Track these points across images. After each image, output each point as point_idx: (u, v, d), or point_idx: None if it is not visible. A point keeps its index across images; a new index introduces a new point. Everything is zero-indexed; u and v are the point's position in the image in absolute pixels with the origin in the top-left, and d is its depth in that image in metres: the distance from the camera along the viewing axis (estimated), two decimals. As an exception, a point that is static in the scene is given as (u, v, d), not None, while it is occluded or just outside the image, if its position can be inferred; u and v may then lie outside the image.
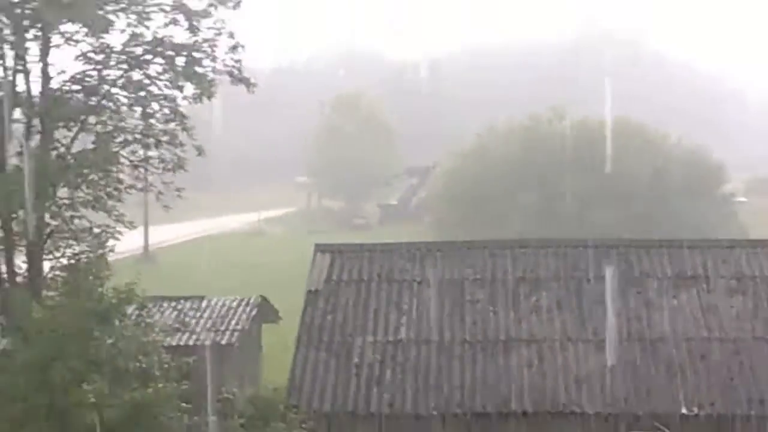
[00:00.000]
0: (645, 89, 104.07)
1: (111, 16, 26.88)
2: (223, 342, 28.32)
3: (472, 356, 20.61)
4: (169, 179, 27.84)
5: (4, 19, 26.45)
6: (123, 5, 26.89)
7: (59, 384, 20.66)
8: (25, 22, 26.43)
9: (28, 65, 26.68)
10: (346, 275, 22.54)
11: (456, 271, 22.50)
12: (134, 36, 27.04)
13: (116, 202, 27.26)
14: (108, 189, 26.85)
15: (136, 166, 27.61)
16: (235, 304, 30.18)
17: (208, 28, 27.10)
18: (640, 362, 20.24)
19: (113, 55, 27.10)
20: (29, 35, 26.60)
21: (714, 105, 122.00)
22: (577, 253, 22.91)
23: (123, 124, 27.43)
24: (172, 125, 27.32)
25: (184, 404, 21.51)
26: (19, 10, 26.35)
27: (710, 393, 19.63)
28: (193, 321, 29.05)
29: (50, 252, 26.40)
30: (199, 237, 67.00)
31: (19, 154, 26.40)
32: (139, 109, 27.47)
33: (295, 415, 21.98)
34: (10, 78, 26.63)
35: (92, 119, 27.04)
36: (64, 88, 27.03)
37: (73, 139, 27.05)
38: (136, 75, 27.28)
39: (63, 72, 27.04)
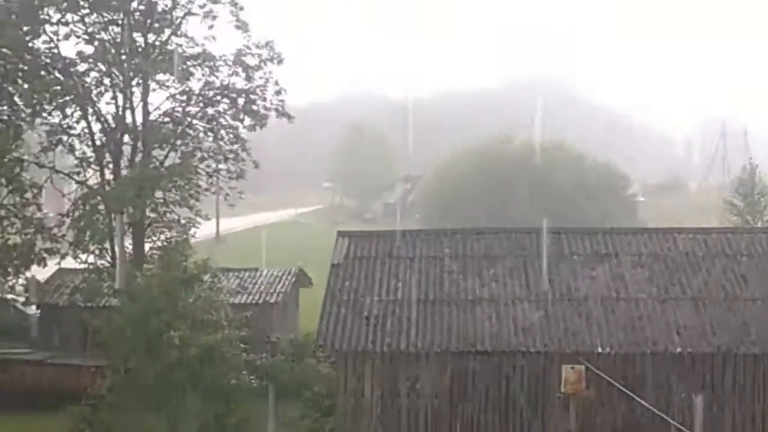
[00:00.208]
0: (572, 122, 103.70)
1: (191, 69, 27.25)
2: (271, 301, 28.53)
3: (448, 311, 20.34)
4: (233, 185, 28.20)
5: (116, 72, 26.77)
6: (199, 61, 27.23)
7: (154, 330, 20.90)
8: (131, 74, 26.75)
9: (134, 104, 27.09)
10: (359, 253, 22.21)
11: (437, 250, 22.23)
12: (207, 83, 27.43)
13: (196, 201, 27.52)
14: (190, 192, 27.11)
15: (210, 176, 27.93)
16: (279, 273, 30.29)
17: (260, 77, 27.44)
18: (568, 315, 20.01)
19: (193, 96, 27.47)
20: (134, 83, 26.96)
21: (621, 133, 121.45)
22: (523, 237, 22.62)
23: (200, 145, 27.74)
24: (235, 146, 27.62)
25: (243, 345, 21.80)
26: (126, 65, 26.68)
27: (617, 337, 19.43)
28: (250, 286, 29.13)
29: (149, 237, 26.70)
30: (254, 226, 66.72)
31: (128, 167, 26.78)
32: (211, 135, 27.78)
33: (322, 353, 22.65)
34: (121, 113, 27.01)
35: (178, 142, 27.36)
36: (158, 120, 27.39)
37: (165, 156, 27.37)
38: (210, 110, 27.62)
39: (158, 108, 27.46)
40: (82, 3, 26.63)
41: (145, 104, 27.03)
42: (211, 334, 21.02)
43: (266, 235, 59.94)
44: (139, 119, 26.97)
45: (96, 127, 27.30)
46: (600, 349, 19.17)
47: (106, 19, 26.89)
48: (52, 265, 28.11)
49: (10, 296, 28.51)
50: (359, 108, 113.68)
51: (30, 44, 26.54)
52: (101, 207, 26.35)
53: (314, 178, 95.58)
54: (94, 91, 27.21)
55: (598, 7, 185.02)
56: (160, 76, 27.02)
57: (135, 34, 26.78)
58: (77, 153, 27.64)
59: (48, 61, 26.89)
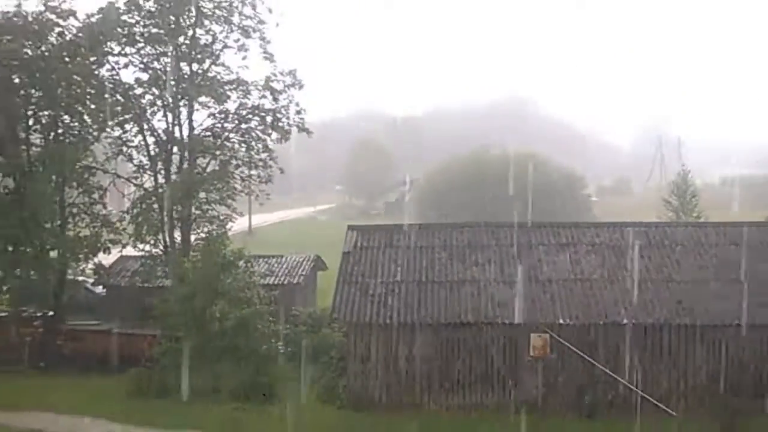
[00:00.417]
0: (537, 134, 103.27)
1: (228, 92, 27.19)
2: (294, 282, 28.44)
3: (438, 290, 20.40)
4: (263, 188, 28.15)
5: (167, 95, 26.77)
6: (234, 86, 27.17)
7: (199, 306, 21.01)
8: (179, 96, 26.74)
9: (181, 121, 27.11)
10: (366, 243, 22.25)
11: (429, 241, 22.25)
12: (241, 104, 27.35)
13: (232, 201, 27.48)
14: (227, 193, 27.07)
15: (243, 180, 27.81)
16: (301, 259, 30.22)
17: (284, 100, 27.34)
18: (535, 293, 20.05)
19: (229, 115, 27.37)
20: (181, 104, 26.94)
21: (577, 143, 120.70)
22: (499, 230, 22.60)
23: (235, 155, 27.56)
24: (264, 156, 27.54)
25: (271, 318, 21.89)
26: (175, 89, 26.65)
27: (575, 311, 19.52)
28: (276, 269, 29.03)
29: (194, 230, 26.59)
30: (279, 221, 66.87)
31: (176, 173, 26.83)
32: (245, 146, 27.65)
33: (335, 324, 22.64)
34: (171, 129, 27.03)
35: (218, 152, 27.25)
36: (201, 134, 27.37)
37: (207, 164, 27.32)
38: (243, 126, 27.46)
39: (200, 125, 27.40)
40: (138, 38, 26.55)
41: (191, 121, 26.96)
42: (245, 309, 21.11)
43: (289, 228, 60.55)
44: (186, 133, 26.87)
45: (150, 140, 27.21)
46: (561, 321, 19.32)
47: (158, 52, 26.78)
48: (115, 253, 28.12)
49: (81, 278, 28.50)
50: (365, 124, 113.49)
51: (96, 72, 26.46)
52: (155, 205, 26.28)
53: (328, 182, 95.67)
54: (149, 111, 27.08)
55: (554, 34, 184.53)
56: (202, 99, 26.91)
57: (182, 64, 26.69)
58: (135, 161, 27.54)
59: (111, 86, 26.76)
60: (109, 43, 26.33)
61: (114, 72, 27.00)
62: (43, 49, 25.78)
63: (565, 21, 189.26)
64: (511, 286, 20.27)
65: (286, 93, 27.09)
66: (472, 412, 19.19)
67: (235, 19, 26.72)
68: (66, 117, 26.67)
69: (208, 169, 27.07)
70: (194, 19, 26.61)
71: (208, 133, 27.26)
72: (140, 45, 26.67)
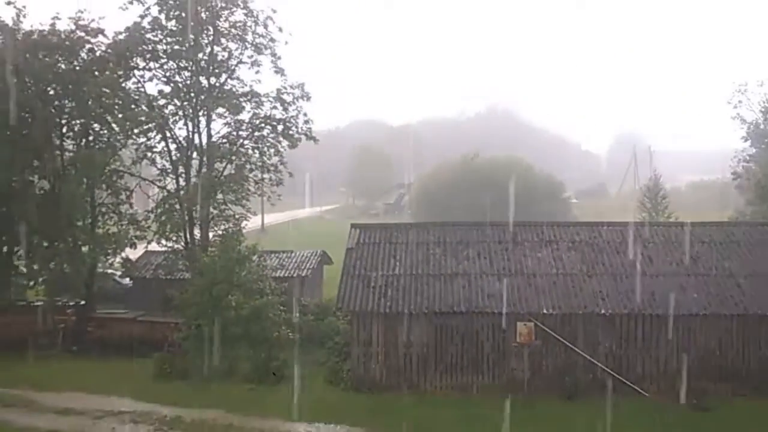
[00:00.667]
0: (520, 141, 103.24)
1: (242, 104, 27.08)
2: (302, 275, 28.19)
3: (433, 282, 20.28)
4: (274, 190, 28.02)
5: (187, 105, 26.75)
6: (248, 98, 27.08)
7: (216, 296, 20.93)
8: (198, 107, 26.67)
9: (200, 129, 27.04)
10: (367, 240, 22.12)
11: (424, 238, 22.13)
12: (255, 114, 27.20)
13: (246, 202, 27.37)
14: (242, 194, 26.94)
15: (256, 183, 27.65)
16: (309, 254, 29.99)
17: (293, 110, 27.22)
18: (521, 286, 19.98)
19: (244, 124, 27.23)
20: (200, 114, 26.85)
21: (557, 149, 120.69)
22: (488, 228, 22.48)
23: (249, 160, 27.37)
24: (275, 160, 27.48)
25: (282, 307, 21.82)
26: (195, 101, 26.63)
27: (557, 302, 19.44)
28: (287, 263, 28.91)
29: (212, 227, 26.49)
30: (289, 220, 66.72)
31: (196, 176, 26.79)
32: (258, 152, 27.52)
33: (340, 313, 22.44)
34: (191, 136, 26.97)
35: (233, 158, 27.12)
36: (218, 141, 27.25)
37: (224, 168, 27.19)
38: (256, 134, 27.31)
39: (218, 133, 27.28)
40: (161, 54, 26.50)
41: (209, 130, 26.90)
42: (259, 299, 21.11)
43: (298, 226, 60.52)
44: (204, 141, 26.82)
45: (172, 146, 27.12)
46: (545, 311, 19.27)
47: (179, 66, 26.72)
48: (140, 248, 28.17)
49: (110, 271, 28.50)
50: (366, 133, 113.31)
51: (123, 85, 26.43)
52: (177, 206, 26.25)
53: (333, 184, 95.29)
54: (171, 120, 26.98)
55: (540, 51, 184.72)
56: (219, 109, 26.81)
57: (201, 78, 26.64)
58: (158, 165, 27.48)
59: (136, 97, 26.73)
60: (135, 59, 26.31)
61: (139, 85, 27.06)
62: (75, 64, 25.90)
63: (550, 39, 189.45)
64: (499, 278, 20.24)
65: (295, 104, 27.05)
66: (464, 392, 19.18)
67: (249, 37, 26.70)
68: (96, 125, 26.76)
69: (225, 173, 27.00)
70: (212, 37, 26.60)
71: (225, 141, 27.16)
72: (163, 60, 26.64)
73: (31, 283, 25.72)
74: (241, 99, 26.92)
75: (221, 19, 26.61)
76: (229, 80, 27.14)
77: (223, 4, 26.58)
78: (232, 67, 27.04)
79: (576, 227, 23.31)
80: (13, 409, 17.78)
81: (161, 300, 25.47)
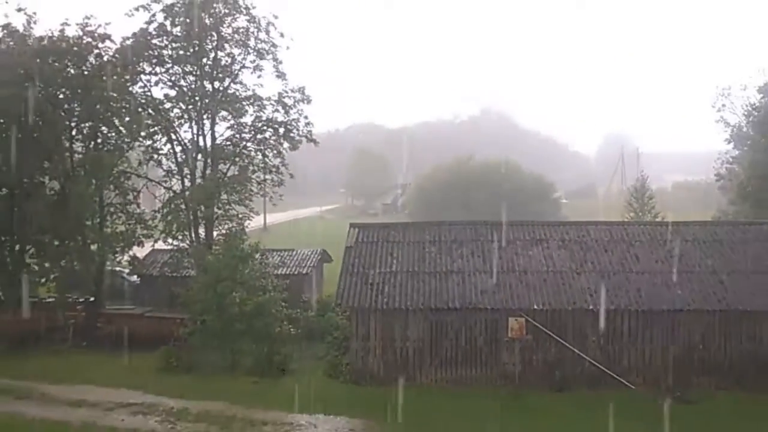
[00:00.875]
0: (513, 144, 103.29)
1: (245, 107, 27.14)
2: (303, 272, 28.18)
3: (428, 279, 20.28)
4: (276, 190, 28.02)
5: (192, 109, 26.77)
6: (251, 101, 27.11)
7: (220, 293, 20.89)
8: (202, 111, 26.72)
9: (205, 132, 27.06)
10: (365, 239, 22.11)
11: (420, 237, 22.13)
12: (257, 117, 27.17)
13: (249, 202, 27.34)
14: (245, 195, 26.90)
15: (259, 183, 27.59)
16: (309, 252, 29.90)
17: (295, 113, 27.21)
18: (513, 283, 20.02)
19: (246, 126, 27.23)
20: (205, 117, 26.86)
21: (548, 151, 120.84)
22: (481, 227, 22.51)
23: (252, 162, 27.37)
24: (277, 162, 27.45)
25: (283, 303, 21.78)
26: (199, 104, 26.66)
27: (547, 298, 19.47)
28: (288, 261, 28.87)
29: (217, 226, 26.40)
30: (290, 219, 66.64)
31: (201, 177, 26.81)
32: (260, 154, 27.49)
33: (339, 309, 22.31)
34: (195, 139, 26.99)
35: (237, 159, 27.14)
36: (222, 143, 27.26)
37: (227, 169, 27.16)
38: (259, 137, 27.26)
39: (222, 135, 27.30)
40: (167, 59, 26.56)
41: (213, 132, 26.93)
42: (261, 295, 21.08)
43: (299, 226, 60.47)
44: (209, 143, 26.86)
45: (177, 148, 27.15)
46: (536, 307, 19.32)
47: (184, 71, 26.77)
48: (147, 247, 28.18)
49: (118, 268, 28.51)
50: (364, 135, 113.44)
51: (130, 89, 26.47)
52: (183, 206, 26.31)
53: (333, 185, 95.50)
54: (176, 123, 27.04)
55: (532, 57, 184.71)
56: (223, 113, 26.90)
57: (205, 82, 26.68)
58: (164, 167, 27.47)
59: (143, 101, 26.77)
60: (141, 64, 26.33)
61: (146, 89, 27.06)
62: (83, 68, 25.88)
63: (541, 43, 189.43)
64: (491, 276, 20.25)
65: (296, 107, 27.06)
66: (458, 385, 19.26)
67: (252, 43, 26.73)
68: (104, 128, 26.72)
69: (229, 174, 27.00)
70: (216, 43, 26.63)
71: (228, 143, 27.17)
72: (169, 65, 26.67)
73: (43, 280, 25.71)
74: (244, 103, 26.94)
75: (225, 26, 26.66)
76: (232, 84, 27.20)
77: (227, 11, 26.61)
78: (236, 72, 27.09)
79: (565, 226, 23.37)
80: (27, 401, 17.82)
81: (168, 296, 25.55)
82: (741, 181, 34.08)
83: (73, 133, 26.44)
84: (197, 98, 26.52)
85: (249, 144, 27.39)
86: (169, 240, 26.27)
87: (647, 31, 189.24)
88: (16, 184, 25.13)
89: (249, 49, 26.75)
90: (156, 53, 26.27)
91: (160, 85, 26.93)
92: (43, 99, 25.00)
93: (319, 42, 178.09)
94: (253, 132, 27.22)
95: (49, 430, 15.61)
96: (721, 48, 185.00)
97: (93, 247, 25.85)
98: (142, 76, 26.69)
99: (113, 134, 26.98)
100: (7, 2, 34.38)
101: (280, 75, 26.94)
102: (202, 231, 26.45)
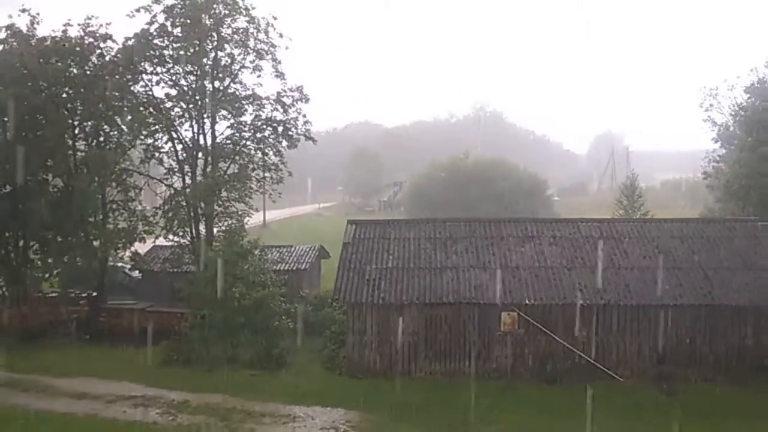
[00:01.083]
0: (507, 142, 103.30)
1: (245, 106, 26.97)
2: (302, 268, 28.14)
3: (423, 275, 20.32)
4: (275, 188, 27.87)
5: (193, 108, 26.63)
6: (250, 101, 26.93)
7: (221, 288, 20.74)
8: (203, 110, 26.52)
9: (205, 131, 26.95)
10: (362, 235, 22.14)
11: (416, 234, 22.14)
12: (256, 116, 26.96)
13: (249, 199, 27.11)
14: (245, 192, 26.68)
15: (258, 181, 27.42)
16: (307, 248, 29.82)
17: (293, 112, 27.02)
18: (505, 278, 20.08)
19: (246, 125, 26.98)
20: (205, 116, 26.69)
21: (541, 149, 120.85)
22: (475, 224, 22.60)
23: (252, 160, 27.15)
24: (276, 160, 27.31)
25: (282, 298, 21.73)
26: (200, 103, 26.50)
27: (539, 293, 19.57)
28: (287, 257, 28.75)
29: (217, 223, 26.22)
30: (289, 216, 66.49)
31: (201, 175, 26.68)
32: (259, 152, 27.34)
33: (337, 304, 22.37)
34: (196, 137, 26.86)
35: (236, 158, 26.93)
36: (222, 142, 27.07)
37: (227, 167, 26.98)
38: (258, 135, 27.05)
39: (222, 134, 27.10)
40: (168, 59, 26.38)
41: (213, 131, 26.74)
42: (260, 290, 21.06)
43: (298, 222, 60.40)
44: (209, 141, 26.68)
45: (178, 147, 26.94)
46: (527, 301, 19.41)
47: (185, 71, 26.55)
48: (149, 243, 28.06)
49: (120, 264, 28.39)
50: (361, 134, 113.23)
51: (131, 88, 26.34)
52: (183, 203, 26.19)
53: (331, 183, 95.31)
54: (177, 122, 26.79)
55: (527, 57, 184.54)
56: (223, 112, 26.69)
57: (205, 82, 26.50)
58: (166, 165, 27.27)
59: (144, 100, 26.59)
60: (143, 64, 26.16)
61: (147, 88, 26.85)
62: (86, 68, 25.79)
63: (534, 44, 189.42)
64: (485, 271, 20.37)
65: (295, 106, 26.89)
66: (452, 377, 19.29)
67: (251, 43, 26.56)
68: (106, 127, 26.60)
69: (229, 172, 26.84)
70: (216, 43, 26.46)
71: (228, 141, 27.02)
72: (169, 65, 26.47)
73: (46, 275, 25.66)
74: (244, 102, 26.76)
75: (225, 26, 26.48)
76: (232, 84, 27.01)
77: (227, 12, 26.47)
78: (235, 72, 26.89)
79: (557, 223, 23.47)
80: (31, 394, 17.81)
81: (169, 291, 25.48)
82: (728, 180, 34.22)
83: (76, 131, 26.34)
84: (198, 97, 26.38)
85: (248, 142, 27.22)
86: (170, 236, 26.14)
87: (638, 33, 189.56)
88: (19, 181, 25.00)
89: (248, 49, 26.59)
90: (157, 53, 26.09)
91: (161, 84, 26.74)
92: (46, 98, 24.94)
93: (318, 42, 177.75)
94: (252, 131, 27.07)
95: (53, 422, 15.58)
96: (709, 48, 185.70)
97: (95, 243, 25.78)
98: (144, 75, 26.52)
99: (115, 133, 26.85)
100: None
101: (279, 75, 26.80)
102: (202, 227, 26.32)
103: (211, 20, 26.14)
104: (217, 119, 26.74)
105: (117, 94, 25.55)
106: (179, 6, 25.80)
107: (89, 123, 26.21)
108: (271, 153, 27.26)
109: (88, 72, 25.72)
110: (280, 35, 26.46)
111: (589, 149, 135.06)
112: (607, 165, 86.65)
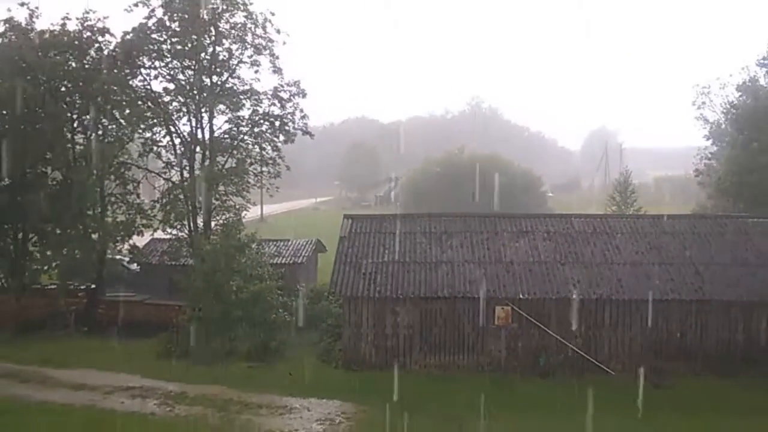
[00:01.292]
0: (502, 139, 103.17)
1: (242, 101, 26.93)
2: (298, 262, 28.15)
3: (419, 269, 20.27)
4: (272, 182, 27.86)
5: (191, 102, 26.57)
6: (248, 96, 26.91)
7: (218, 281, 20.85)
8: (201, 104, 26.50)
9: (203, 125, 26.88)
10: (359, 229, 22.07)
11: (411, 228, 22.07)
12: (254, 111, 27.01)
13: (246, 193, 27.18)
14: (242, 186, 26.73)
15: (256, 175, 27.44)
16: (304, 242, 29.83)
17: (290, 107, 27.06)
18: (500, 273, 20.06)
19: (244, 120, 27.00)
20: (203, 110, 26.67)
21: (535, 146, 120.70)
22: (470, 219, 22.54)
23: (249, 154, 27.18)
24: (274, 154, 27.26)
25: (279, 292, 21.77)
26: (197, 98, 26.45)
27: (533, 287, 19.57)
28: (284, 251, 28.78)
29: (214, 216, 26.24)
30: (287, 210, 66.49)
31: (199, 169, 26.66)
32: (257, 147, 27.32)
33: (333, 297, 22.43)
34: (194, 131, 26.79)
35: (234, 152, 27.02)
36: (220, 136, 27.07)
37: (225, 161, 27.01)
38: (255, 130, 27.10)
39: (220, 128, 27.14)
40: (166, 54, 26.31)
41: (211, 125, 26.75)
42: (257, 284, 21.08)
43: (295, 216, 60.35)
44: (207, 135, 26.68)
45: (176, 140, 26.99)
46: (521, 296, 19.40)
47: (183, 66, 26.53)
48: (147, 236, 28.04)
49: (118, 257, 28.37)
50: (358, 129, 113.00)
51: (130, 82, 26.27)
52: (181, 196, 26.19)
53: (328, 177, 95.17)
54: (175, 116, 26.84)
55: (522, 54, 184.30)
56: (221, 106, 26.70)
57: (203, 76, 26.47)
58: (164, 158, 27.30)
59: (142, 94, 26.56)
60: (141, 58, 26.07)
61: (145, 82, 26.84)
62: (84, 62, 25.67)
63: (529, 41, 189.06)
64: (479, 266, 20.33)
65: (292, 101, 26.89)
66: (446, 370, 19.35)
67: (249, 38, 26.50)
68: (105, 120, 26.52)
69: (226, 166, 26.85)
70: (214, 38, 26.40)
71: (226, 136, 27.01)
72: (168, 60, 26.42)
73: (45, 268, 25.58)
74: (241, 96, 26.75)
75: (222, 21, 26.42)
76: (230, 79, 26.97)
77: (225, 7, 26.37)
78: (233, 67, 26.86)
79: (550, 219, 23.45)
80: (30, 385, 17.80)
81: (167, 284, 25.48)
82: (719, 177, 34.29)
83: (75, 124, 26.27)
84: (195, 92, 26.33)
85: (246, 137, 27.25)
86: (168, 229, 26.14)
87: (633, 31, 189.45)
88: (19, 174, 24.89)
89: (246, 44, 26.53)
90: (155, 48, 26.03)
91: (160, 78, 26.77)
92: (44, 91, 24.80)
93: (315, 38, 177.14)
94: (250, 125, 27.07)
95: (52, 412, 15.56)
96: (702, 47, 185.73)
97: (94, 236, 25.76)
98: (142, 69, 26.48)
99: (114, 126, 26.79)
100: None
101: (277, 70, 26.78)
102: (200, 221, 26.32)
103: (209, 15, 26.01)
104: (215, 114, 26.72)
105: (115, 87, 25.49)
106: (177, 1, 25.65)
107: (88, 116, 26.09)
108: (268, 147, 27.20)
109: (86, 66, 25.63)
110: (278, 31, 26.47)
111: (583, 146, 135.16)
112: (600, 162, 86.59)
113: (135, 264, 28.99)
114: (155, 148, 26.96)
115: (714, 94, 40.24)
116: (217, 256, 21.31)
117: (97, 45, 25.75)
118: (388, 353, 19.58)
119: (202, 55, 26.36)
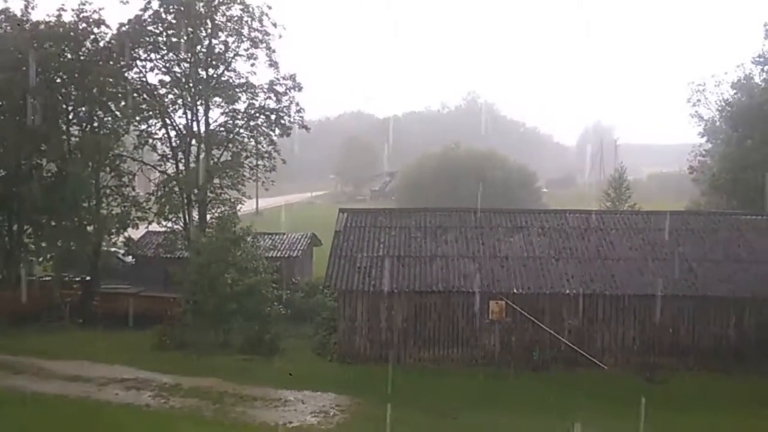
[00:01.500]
0: (497, 134, 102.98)
1: (238, 94, 26.84)
2: (294, 255, 28.10)
3: (414, 263, 20.27)
4: (268, 175, 27.85)
5: (186, 95, 26.44)
6: (244, 89, 26.83)
7: (213, 274, 20.79)
8: (196, 97, 26.40)
9: (199, 118, 26.78)
10: (354, 223, 22.03)
11: (406, 223, 22.07)
12: (250, 104, 26.96)
13: (242, 186, 27.18)
14: (238, 179, 26.73)
15: (251, 168, 27.40)
16: (299, 236, 29.77)
17: (286, 100, 27.01)
18: (494, 268, 20.06)
19: (239, 113, 26.96)
20: (198, 103, 26.56)
21: (530, 141, 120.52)
22: (465, 214, 22.52)
23: (245, 147, 27.15)
24: (269, 148, 27.25)
25: (274, 285, 21.77)
26: (193, 91, 26.34)
27: (527, 282, 19.59)
28: (279, 244, 28.72)
29: (210, 210, 26.27)
30: (282, 204, 66.20)
31: (195, 161, 26.53)
32: (253, 140, 27.28)
33: (328, 291, 22.43)
34: (190, 124, 26.71)
35: (230, 145, 26.94)
36: (216, 129, 26.98)
37: (221, 155, 26.97)
38: (251, 123, 27.06)
39: (215, 121, 27.06)
40: (161, 46, 26.18)
41: (207, 118, 26.67)
42: (252, 277, 21.03)
43: (290, 210, 60.10)
44: (202, 128, 26.59)
45: (172, 133, 26.91)
46: (515, 290, 19.42)
47: (179, 58, 26.39)
48: (142, 228, 27.98)
49: (113, 249, 28.29)
50: (354, 123, 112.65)
51: (125, 75, 26.11)
52: (176, 189, 26.09)
53: (323, 171, 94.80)
54: (171, 109, 26.74)
55: (518, 51, 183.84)
56: (216, 99, 26.61)
57: (199, 69, 26.36)
58: (159, 151, 27.20)
59: (138, 86, 26.42)
60: (136, 50, 25.91)
61: (141, 74, 26.72)
62: (80, 53, 25.48)
63: (525, 37, 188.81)
64: (474, 261, 20.36)
65: (288, 95, 26.83)
66: (440, 364, 19.37)
67: (245, 31, 26.41)
68: (100, 112, 26.41)
69: (222, 159, 26.77)
70: (210, 30, 26.30)
71: (222, 129, 26.93)
72: (163, 52, 26.31)
73: (40, 259, 25.48)
74: (237, 90, 26.66)
75: (219, 14, 26.31)
76: (226, 72, 26.88)
77: (221, 0, 26.20)
78: (229, 60, 26.77)
79: (545, 214, 23.47)
80: (25, 376, 17.72)
81: (162, 276, 25.42)
82: (713, 174, 34.42)
83: (70, 116, 26.13)
84: (191, 84, 26.23)
85: (242, 130, 27.18)
86: (163, 222, 26.08)
87: (629, 28, 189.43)
88: (13, 165, 24.72)
89: (242, 37, 26.44)
90: (151, 40, 25.90)
91: (155, 71, 26.67)
92: (40, 83, 24.59)
93: (312, 32, 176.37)
94: (245, 118, 26.98)
95: (46, 403, 15.51)
96: (697, 45, 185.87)
97: (89, 228, 25.66)
98: (138, 61, 26.35)
99: (109, 118, 26.66)
100: None
101: (273, 64, 26.70)
102: (195, 214, 26.28)
103: (205, 8, 25.89)
104: (211, 106, 26.64)
105: (111, 79, 25.34)
106: (173, -7, 25.53)
107: (83, 108, 26.04)
108: (264, 141, 27.12)
109: (82, 57, 25.45)
110: (274, 24, 26.40)
111: (578, 142, 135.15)
112: (595, 158, 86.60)
113: (130, 256, 28.93)
114: (150, 140, 26.86)
115: (709, 92, 40.45)
116: (212, 249, 21.21)
117: (92, 37, 25.57)
118: (382, 347, 19.58)
119: (198, 47, 26.25)
